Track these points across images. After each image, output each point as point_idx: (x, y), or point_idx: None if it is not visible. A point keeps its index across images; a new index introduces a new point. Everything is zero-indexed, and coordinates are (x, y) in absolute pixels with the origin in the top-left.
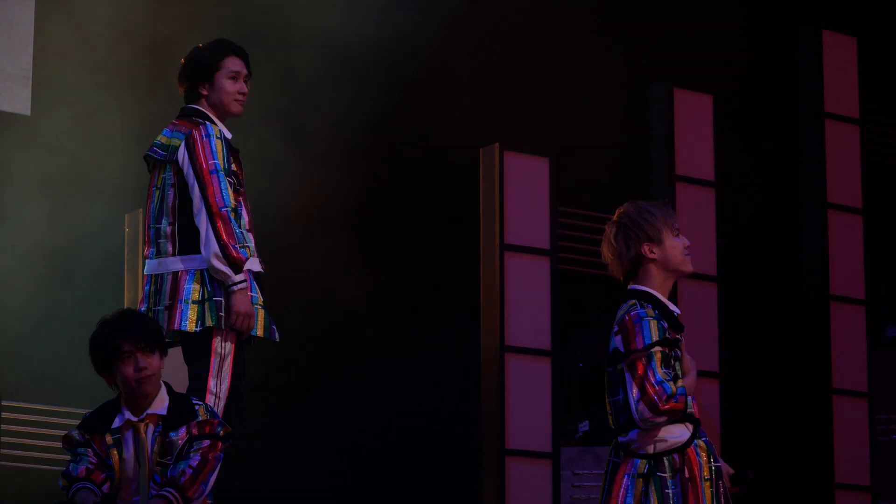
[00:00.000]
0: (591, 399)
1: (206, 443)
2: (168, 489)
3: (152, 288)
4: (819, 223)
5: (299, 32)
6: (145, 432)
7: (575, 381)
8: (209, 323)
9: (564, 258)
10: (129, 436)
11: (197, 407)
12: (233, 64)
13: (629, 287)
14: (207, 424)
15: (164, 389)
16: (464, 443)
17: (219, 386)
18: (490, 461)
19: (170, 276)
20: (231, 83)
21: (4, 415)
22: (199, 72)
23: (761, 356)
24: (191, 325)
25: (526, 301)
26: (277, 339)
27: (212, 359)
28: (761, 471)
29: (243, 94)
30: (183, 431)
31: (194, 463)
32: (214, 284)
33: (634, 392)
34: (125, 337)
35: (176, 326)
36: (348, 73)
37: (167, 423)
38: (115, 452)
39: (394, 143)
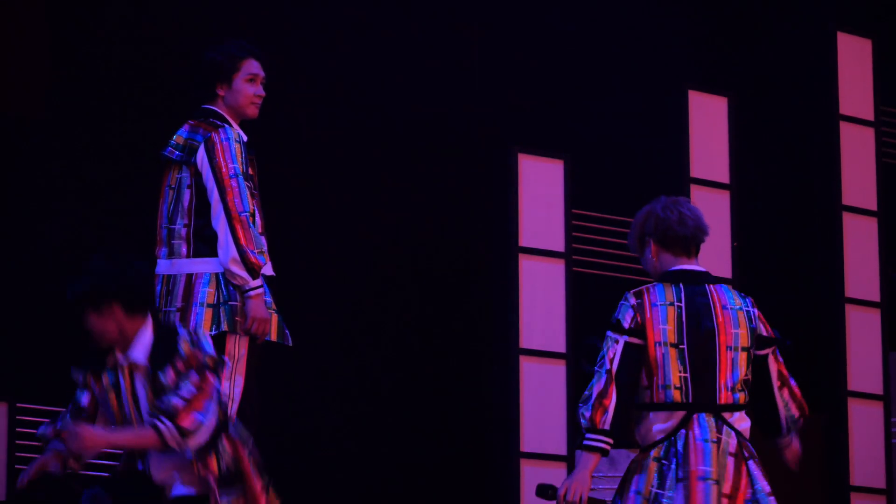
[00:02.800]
0: None
1: (195, 376)
2: (159, 417)
3: (164, 289)
4: (834, 225)
5: (306, 30)
6: (134, 376)
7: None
8: (224, 327)
9: (579, 261)
10: (122, 379)
11: (180, 341)
12: (251, 66)
13: (709, 273)
14: (192, 358)
15: (146, 330)
16: (478, 445)
17: (232, 389)
18: (505, 464)
19: (183, 278)
20: (249, 86)
21: (19, 417)
22: (217, 73)
23: None
24: (206, 329)
25: (541, 304)
26: (291, 344)
27: (225, 362)
28: (776, 474)
29: (260, 96)
30: (170, 371)
31: (185, 394)
32: (230, 288)
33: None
34: (71, 296)
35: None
36: (357, 72)
37: (153, 365)
38: (113, 395)
39: (408, 144)
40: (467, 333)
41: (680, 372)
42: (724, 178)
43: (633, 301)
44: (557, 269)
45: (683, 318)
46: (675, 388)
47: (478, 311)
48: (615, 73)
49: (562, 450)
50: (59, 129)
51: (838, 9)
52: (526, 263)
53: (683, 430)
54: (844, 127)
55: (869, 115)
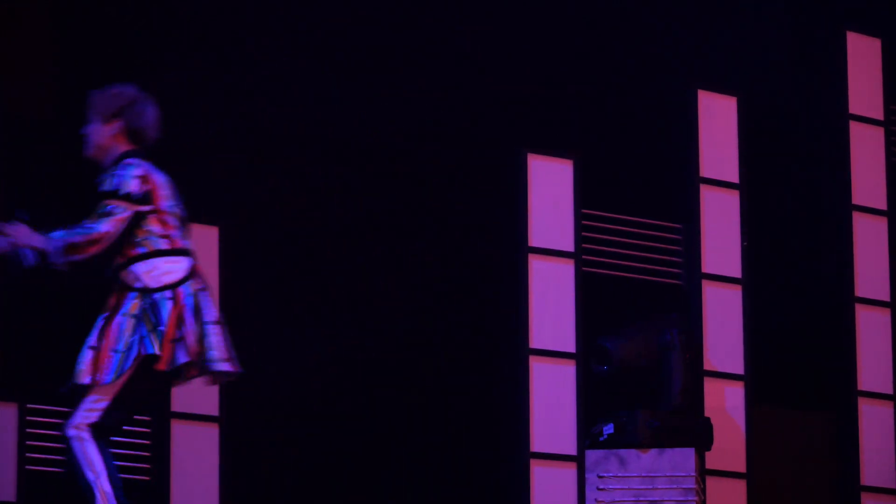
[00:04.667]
0: (615, 402)
1: None
2: None
3: None
4: (844, 225)
5: (315, 32)
6: None
7: (600, 384)
8: None
9: (589, 260)
10: None
11: None
12: None
13: None
14: None
15: None
16: (488, 446)
17: None
18: (514, 464)
19: None
20: None
21: (28, 418)
22: None
23: (787, 358)
24: None
25: (550, 303)
26: None
27: None
28: (788, 474)
29: None
30: None
31: None
32: None
33: None
34: None
35: None
36: (364, 75)
37: None
38: None
39: (416, 145)
40: (477, 334)
41: (183, 230)
42: (734, 177)
43: (139, 172)
44: (567, 268)
45: (168, 187)
46: (184, 242)
47: (487, 312)
48: (624, 73)
49: (572, 450)
50: (67, 131)
51: (847, 8)
52: (535, 263)
53: (192, 279)
54: (854, 126)
55: (879, 114)
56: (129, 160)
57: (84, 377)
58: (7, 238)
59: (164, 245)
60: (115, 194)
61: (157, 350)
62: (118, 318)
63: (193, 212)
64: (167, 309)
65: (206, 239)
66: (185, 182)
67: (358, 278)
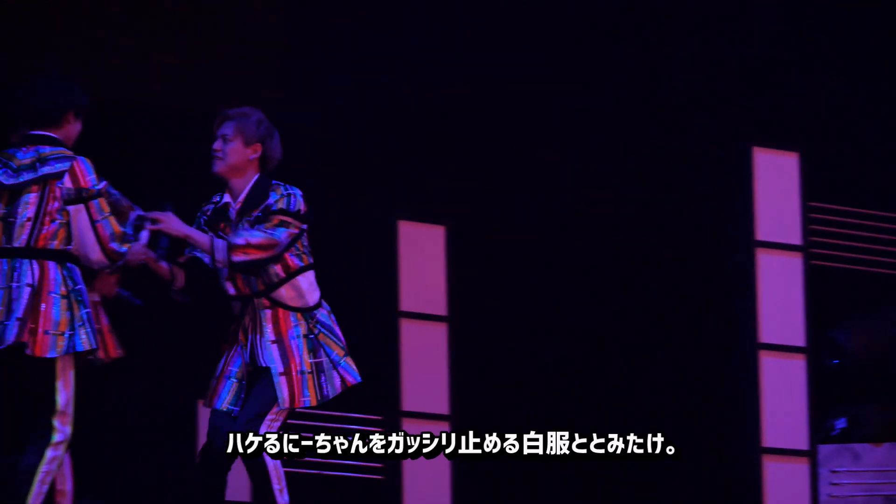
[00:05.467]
0: (847, 396)
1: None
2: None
3: None
4: None
5: (555, 36)
6: None
7: (831, 378)
8: None
9: (818, 254)
10: None
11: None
12: None
13: None
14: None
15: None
16: (719, 442)
17: None
18: (746, 459)
19: None
20: None
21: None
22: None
23: None
24: None
25: (779, 297)
26: None
27: None
28: None
29: None
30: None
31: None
32: None
33: None
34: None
35: None
36: (592, 73)
37: None
38: None
39: (642, 141)
40: (706, 328)
41: None
42: None
43: (301, 192)
44: (795, 262)
45: None
46: None
47: (716, 306)
48: (847, 64)
49: (803, 445)
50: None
51: None
52: (763, 257)
53: None
54: None
55: None
56: (277, 182)
57: (286, 404)
58: (157, 224)
59: (312, 260)
60: (290, 213)
61: (358, 378)
62: (293, 341)
63: (421, 212)
64: (333, 326)
65: (432, 238)
66: (412, 183)
67: (586, 275)
